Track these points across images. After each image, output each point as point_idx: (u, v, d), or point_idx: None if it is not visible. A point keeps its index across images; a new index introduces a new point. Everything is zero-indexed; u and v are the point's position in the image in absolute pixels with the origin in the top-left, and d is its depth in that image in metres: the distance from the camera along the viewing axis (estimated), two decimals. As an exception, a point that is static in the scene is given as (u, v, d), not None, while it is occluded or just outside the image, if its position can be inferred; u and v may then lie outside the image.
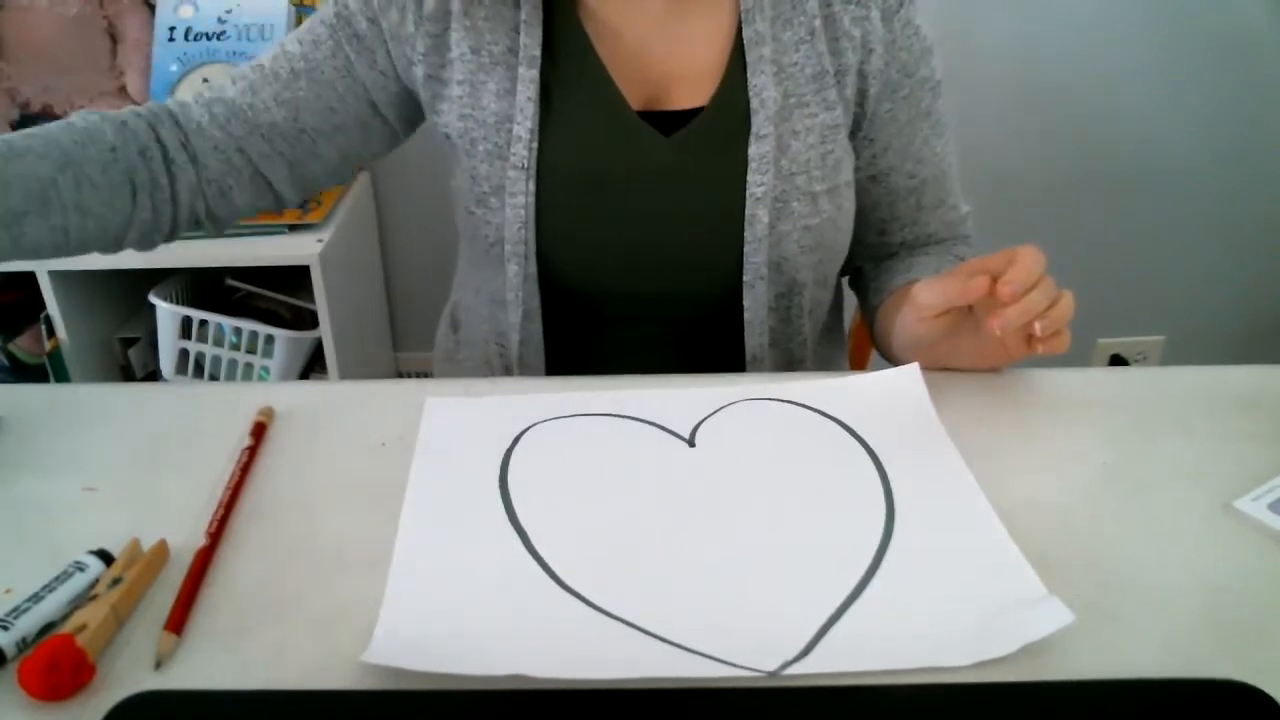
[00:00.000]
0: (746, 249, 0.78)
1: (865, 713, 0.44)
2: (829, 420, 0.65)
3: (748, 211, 0.77)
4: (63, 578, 0.50)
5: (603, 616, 0.49)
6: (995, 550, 0.53)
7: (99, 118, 0.74)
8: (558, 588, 0.51)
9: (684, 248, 0.79)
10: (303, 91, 0.80)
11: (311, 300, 1.53)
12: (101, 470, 0.61)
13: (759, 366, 0.84)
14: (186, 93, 1.48)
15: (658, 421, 0.65)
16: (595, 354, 0.85)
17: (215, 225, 0.83)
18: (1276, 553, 0.54)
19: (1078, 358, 2.06)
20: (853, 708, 0.44)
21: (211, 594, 0.51)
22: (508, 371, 0.86)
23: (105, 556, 0.51)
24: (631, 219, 0.79)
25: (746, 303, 0.80)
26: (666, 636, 0.48)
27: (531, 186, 0.77)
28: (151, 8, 1.51)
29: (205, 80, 1.48)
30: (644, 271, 0.80)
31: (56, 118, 1.49)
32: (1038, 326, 0.63)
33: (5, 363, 1.63)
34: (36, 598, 0.48)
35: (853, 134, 0.82)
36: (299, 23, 1.53)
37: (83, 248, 0.73)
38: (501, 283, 0.81)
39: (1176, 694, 0.44)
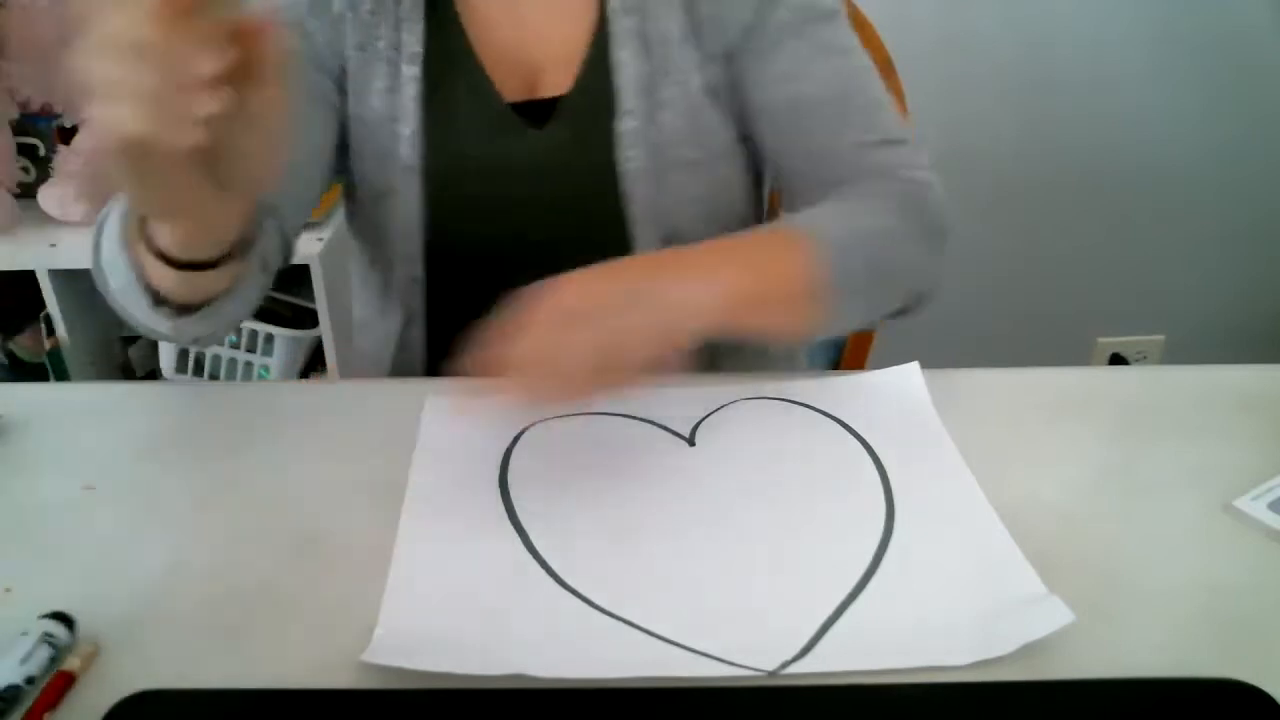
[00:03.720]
0: (633, 227, 0.77)
1: (865, 712, 0.44)
2: (829, 419, 0.65)
3: (625, 189, 0.76)
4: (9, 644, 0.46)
5: (602, 615, 0.49)
6: (995, 549, 0.53)
7: None
8: (557, 586, 0.51)
9: (571, 235, 0.76)
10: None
11: (311, 299, 1.53)
12: (101, 469, 0.61)
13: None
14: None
15: (658, 420, 0.65)
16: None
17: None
18: (1276, 553, 0.54)
19: (1078, 358, 2.06)
20: (852, 707, 0.44)
21: (212, 594, 0.51)
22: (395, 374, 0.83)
23: (60, 617, 0.48)
24: (516, 212, 0.78)
25: None
26: (666, 635, 0.48)
27: (418, 187, 0.76)
28: (151, 7, 1.51)
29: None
30: (537, 264, 0.75)
31: (56, 116, 1.50)
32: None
33: (5, 361, 1.63)
34: None
35: (728, 92, 0.77)
36: (299, 22, 1.52)
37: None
38: (391, 284, 0.80)
39: (1176, 694, 0.44)
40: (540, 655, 0.46)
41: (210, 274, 0.58)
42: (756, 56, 0.76)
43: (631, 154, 0.75)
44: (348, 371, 1.62)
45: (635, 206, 0.76)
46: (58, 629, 0.47)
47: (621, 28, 0.75)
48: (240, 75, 0.43)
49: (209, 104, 0.42)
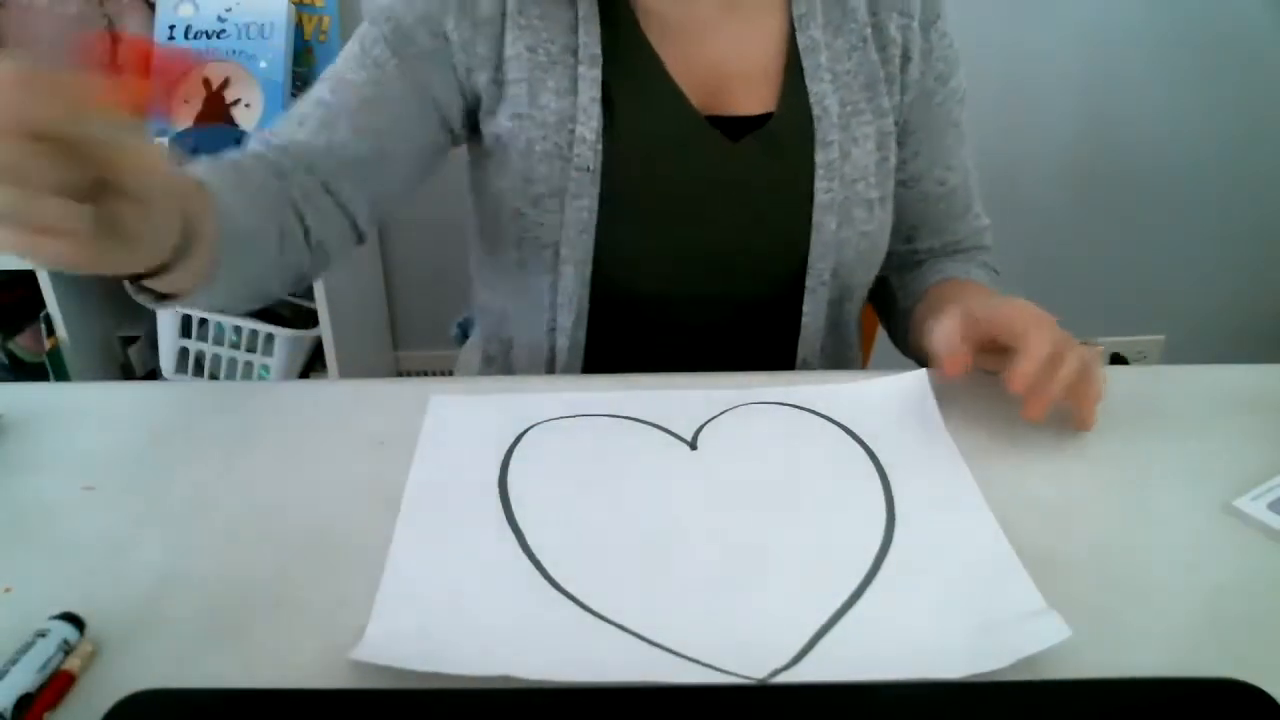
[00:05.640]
0: (812, 255, 0.78)
1: (863, 712, 0.44)
2: (834, 426, 0.65)
3: (815, 218, 0.77)
4: (25, 647, 0.46)
5: (594, 619, 0.49)
6: (996, 562, 0.53)
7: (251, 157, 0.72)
8: (551, 589, 0.51)
9: (747, 254, 0.79)
10: (380, 120, 0.76)
11: (312, 299, 1.53)
12: (101, 469, 0.61)
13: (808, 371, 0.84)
14: (186, 92, 1.48)
15: (661, 424, 0.65)
16: (639, 359, 0.84)
17: (315, 271, 0.78)
18: (1276, 553, 0.54)
19: (1078, 357, 2.06)
20: (849, 707, 0.44)
21: (212, 594, 0.51)
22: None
23: (71, 619, 0.48)
24: (695, 224, 0.78)
25: (806, 308, 0.80)
26: (656, 640, 0.47)
27: (596, 190, 0.76)
28: (151, 6, 1.51)
29: (205, 80, 1.48)
30: (703, 277, 0.80)
31: (56, 116, 1.50)
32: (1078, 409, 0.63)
33: (5, 361, 1.63)
34: (1, 673, 0.44)
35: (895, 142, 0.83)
36: (299, 21, 1.53)
37: (242, 256, 0.65)
38: (548, 286, 0.80)
39: (1176, 694, 0.44)
40: (529, 657, 0.46)
41: (165, 278, 0.56)
42: (922, 130, 0.84)
43: (827, 185, 0.77)
44: (348, 371, 1.62)
45: (818, 236, 0.78)
46: (71, 631, 0.47)
47: (814, 62, 0.78)
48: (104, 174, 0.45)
49: (72, 219, 0.43)
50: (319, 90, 0.77)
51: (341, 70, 0.77)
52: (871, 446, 0.63)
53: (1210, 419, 0.66)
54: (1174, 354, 2.07)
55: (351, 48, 0.78)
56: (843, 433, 0.64)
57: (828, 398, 0.68)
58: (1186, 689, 0.45)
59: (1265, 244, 1.95)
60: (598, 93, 0.75)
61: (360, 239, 0.80)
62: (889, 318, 0.93)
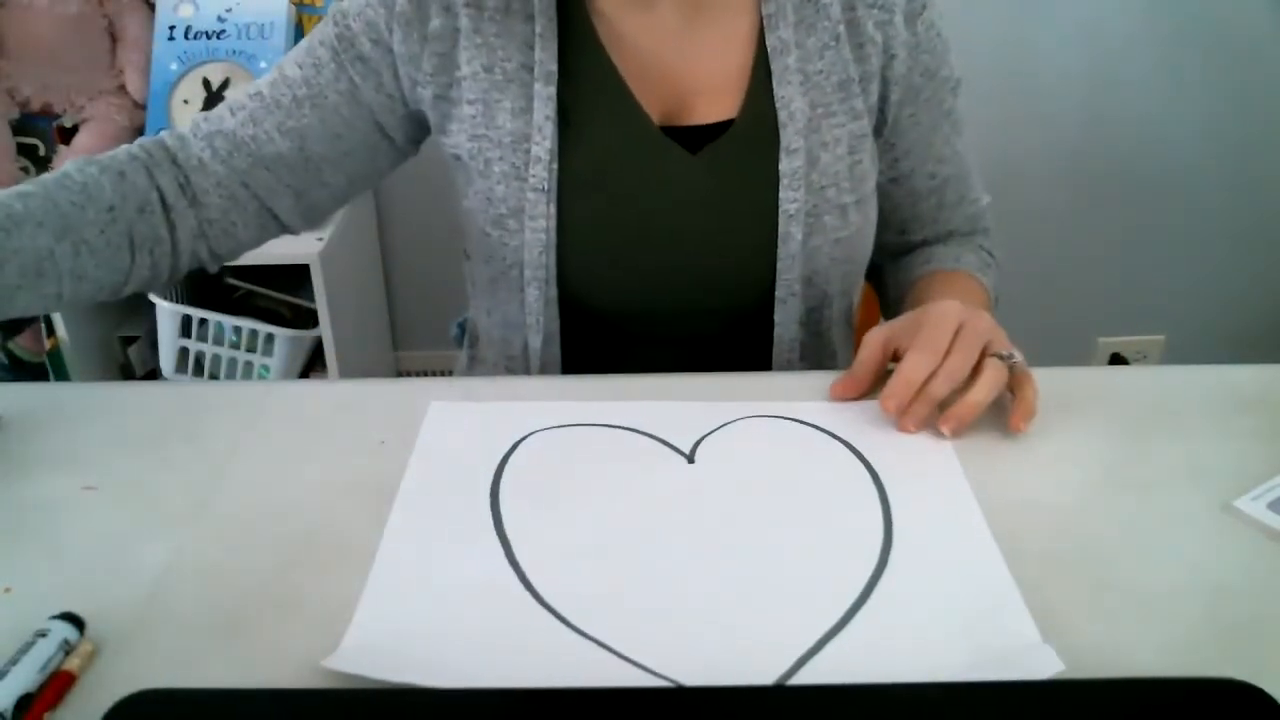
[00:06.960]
0: (780, 266, 0.76)
1: (864, 712, 0.44)
2: (838, 442, 0.63)
3: (781, 229, 0.75)
4: (26, 647, 0.46)
5: (574, 634, 0.48)
6: (992, 591, 0.51)
7: (97, 170, 0.71)
8: (533, 602, 0.50)
9: (713, 266, 0.78)
10: (307, 119, 0.77)
11: (311, 299, 1.53)
12: (101, 469, 0.61)
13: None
14: (186, 92, 1.48)
15: (660, 435, 0.64)
16: (615, 373, 0.83)
17: (217, 262, 0.80)
18: (1276, 553, 0.54)
19: (1078, 358, 2.06)
20: (851, 708, 0.44)
21: (211, 593, 0.51)
22: None
23: (72, 619, 0.48)
24: (657, 239, 0.77)
25: (778, 318, 0.78)
26: (633, 658, 0.46)
27: (552, 209, 0.75)
28: (151, 6, 1.51)
29: (205, 80, 1.48)
30: (670, 291, 0.79)
31: (56, 116, 1.50)
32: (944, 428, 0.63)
33: (5, 361, 1.63)
34: (2, 673, 0.45)
35: (874, 138, 0.81)
36: (299, 21, 1.52)
37: (72, 306, 0.73)
38: (518, 306, 0.79)
39: (1176, 694, 0.44)
40: (505, 672, 0.45)
41: None
42: (911, 127, 0.81)
43: (792, 194, 0.75)
44: (348, 371, 1.62)
45: (785, 247, 0.76)
46: (71, 631, 0.47)
47: (783, 64, 0.75)
48: None
49: None
50: (264, 79, 0.78)
51: (287, 63, 0.78)
52: (874, 464, 0.61)
53: (1210, 419, 0.66)
54: (1174, 354, 2.07)
55: (304, 41, 0.79)
56: (846, 449, 0.63)
57: (831, 413, 0.66)
58: (1186, 689, 0.45)
59: (1265, 244, 1.95)
60: (553, 111, 0.74)
61: (287, 230, 0.82)
62: (884, 305, 0.93)
